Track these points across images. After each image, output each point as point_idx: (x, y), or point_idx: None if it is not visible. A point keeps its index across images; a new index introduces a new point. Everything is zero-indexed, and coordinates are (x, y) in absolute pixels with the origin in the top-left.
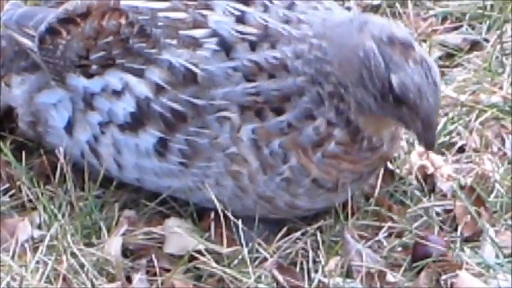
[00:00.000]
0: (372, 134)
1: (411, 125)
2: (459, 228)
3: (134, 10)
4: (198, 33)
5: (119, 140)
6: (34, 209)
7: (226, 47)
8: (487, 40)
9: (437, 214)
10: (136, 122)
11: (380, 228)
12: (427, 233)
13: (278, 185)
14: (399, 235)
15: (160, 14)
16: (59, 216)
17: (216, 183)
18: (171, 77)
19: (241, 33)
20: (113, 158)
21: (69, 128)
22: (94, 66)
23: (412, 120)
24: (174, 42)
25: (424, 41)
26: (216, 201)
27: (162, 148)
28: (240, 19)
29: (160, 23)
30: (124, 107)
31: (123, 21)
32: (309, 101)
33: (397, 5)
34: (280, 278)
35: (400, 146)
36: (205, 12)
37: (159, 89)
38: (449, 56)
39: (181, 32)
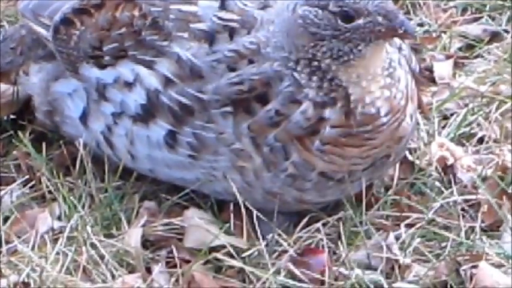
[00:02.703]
0: (359, 95)
1: (375, 30)
2: (479, 218)
3: (148, 1)
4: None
5: (131, 131)
6: (54, 200)
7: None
8: (507, 31)
9: (457, 204)
10: (147, 114)
11: (399, 218)
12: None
13: (284, 182)
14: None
15: (173, 7)
16: (79, 207)
17: (224, 177)
18: (179, 70)
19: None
20: (126, 149)
21: (84, 118)
22: (107, 58)
23: (373, 24)
24: (186, 35)
25: (444, 32)
26: (236, 191)
27: (171, 140)
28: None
29: (172, 16)
30: (135, 99)
31: (136, 13)
32: (289, 85)
33: None
34: (297, 271)
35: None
36: None
37: (167, 82)
38: (469, 47)
39: (191, 25)
